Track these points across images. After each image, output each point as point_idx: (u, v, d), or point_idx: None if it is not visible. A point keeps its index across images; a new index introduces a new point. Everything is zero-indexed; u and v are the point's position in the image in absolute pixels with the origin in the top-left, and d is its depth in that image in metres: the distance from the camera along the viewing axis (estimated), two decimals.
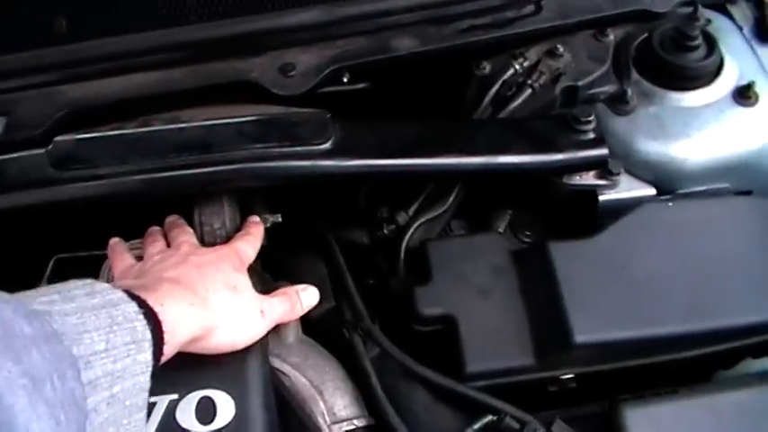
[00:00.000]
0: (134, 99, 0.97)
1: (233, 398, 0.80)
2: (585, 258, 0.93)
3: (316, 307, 0.91)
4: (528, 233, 1.05)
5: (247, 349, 0.83)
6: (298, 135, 0.91)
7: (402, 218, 1.03)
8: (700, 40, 1.04)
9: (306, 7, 1.02)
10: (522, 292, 0.94)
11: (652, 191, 1.00)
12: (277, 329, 0.89)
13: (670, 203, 1.00)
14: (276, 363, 0.89)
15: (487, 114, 1.05)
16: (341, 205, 1.08)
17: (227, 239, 0.92)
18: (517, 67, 1.05)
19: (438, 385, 0.90)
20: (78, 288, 0.65)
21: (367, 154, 0.93)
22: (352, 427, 0.89)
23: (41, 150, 0.90)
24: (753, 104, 1.02)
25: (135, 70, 1.00)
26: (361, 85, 1.08)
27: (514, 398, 0.88)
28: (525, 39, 1.07)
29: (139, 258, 0.89)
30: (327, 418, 0.88)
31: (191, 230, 0.92)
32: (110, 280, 0.90)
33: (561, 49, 1.06)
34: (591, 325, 0.88)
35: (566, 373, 0.91)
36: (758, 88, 1.03)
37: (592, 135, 0.98)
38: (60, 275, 0.97)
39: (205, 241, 0.92)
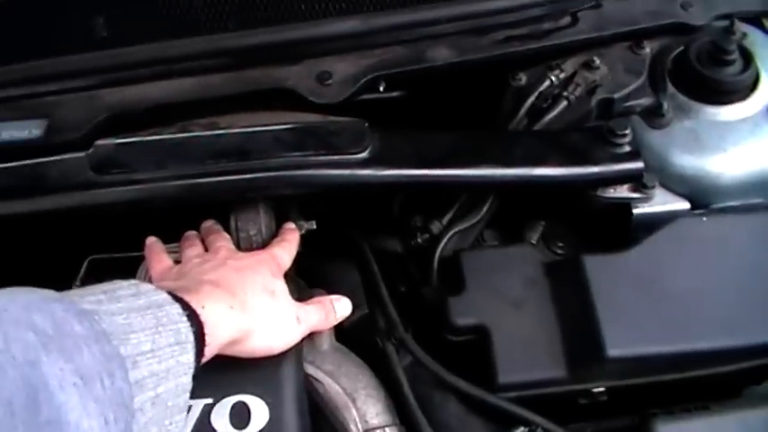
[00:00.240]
0: (173, 104, 0.98)
1: (267, 403, 0.81)
2: (619, 272, 0.93)
3: (349, 315, 0.91)
4: (560, 245, 1.04)
5: (282, 355, 0.83)
6: (335, 144, 0.91)
7: (436, 227, 1.03)
8: (736, 55, 1.03)
9: (344, 17, 1.02)
10: (554, 304, 0.94)
11: (686, 205, 1.00)
12: (311, 337, 0.89)
13: (704, 218, 0.99)
14: (310, 369, 0.89)
15: (523, 126, 1.05)
16: (375, 213, 1.08)
17: (262, 246, 0.93)
18: (553, 78, 1.05)
19: (470, 395, 0.90)
20: (124, 289, 0.66)
21: (404, 164, 0.93)
22: None
23: (81, 154, 0.91)
24: None
25: (174, 76, 1.00)
26: (395, 94, 1.08)
27: (545, 410, 0.88)
28: (562, 50, 1.08)
29: (176, 262, 0.90)
30: (360, 426, 0.88)
31: (227, 236, 0.92)
32: (146, 280, 0.90)
33: (597, 62, 1.06)
34: (624, 339, 0.88)
35: (597, 387, 0.91)
36: None
37: (628, 148, 0.97)
38: (94, 276, 0.99)
39: (241, 247, 0.93)
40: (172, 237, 0.95)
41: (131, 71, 1.00)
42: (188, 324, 0.67)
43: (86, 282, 0.99)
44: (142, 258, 0.94)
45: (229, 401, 0.80)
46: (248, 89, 1.00)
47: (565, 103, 1.04)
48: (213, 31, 1.02)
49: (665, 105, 1.02)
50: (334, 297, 0.91)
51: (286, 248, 0.91)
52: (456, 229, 1.03)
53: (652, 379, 0.91)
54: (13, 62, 1.00)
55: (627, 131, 0.98)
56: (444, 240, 1.02)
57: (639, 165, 0.97)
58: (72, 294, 0.63)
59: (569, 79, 1.06)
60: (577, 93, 1.05)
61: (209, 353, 0.71)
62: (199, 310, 0.70)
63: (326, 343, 0.92)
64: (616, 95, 1.06)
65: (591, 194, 1.00)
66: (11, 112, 0.98)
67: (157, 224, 0.97)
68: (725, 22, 1.08)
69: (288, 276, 0.89)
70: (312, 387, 0.89)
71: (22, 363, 0.53)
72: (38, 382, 0.52)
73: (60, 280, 0.90)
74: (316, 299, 0.90)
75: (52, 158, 0.92)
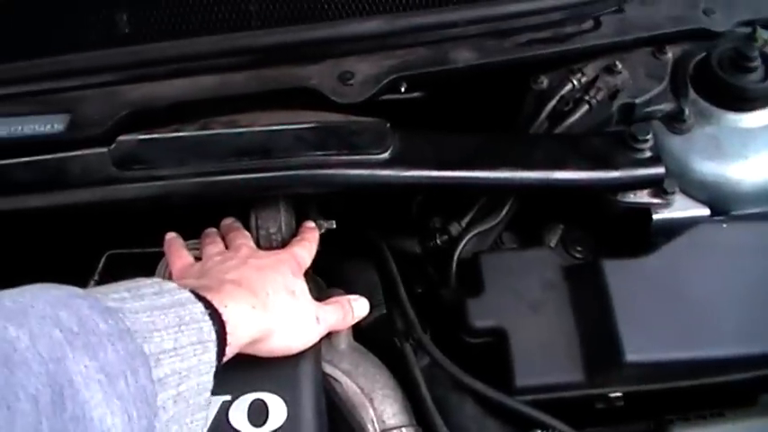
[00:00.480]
0: (195, 102, 0.98)
1: (285, 401, 0.81)
2: (638, 277, 0.93)
3: (367, 314, 0.92)
4: (579, 249, 1.04)
5: (301, 354, 0.83)
6: (357, 144, 0.91)
7: (455, 229, 1.03)
8: (758, 61, 1.03)
9: (367, 17, 1.02)
10: (573, 308, 0.94)
11: (706, 211, 1.00)
12: (329, 336, 0.89)
13: (724, 224, 0.99)
14: (328, 369, 0.90)
15: (544, 129, 1.05)
16: (394, 214, 1.08)
17: (282, 244, 0.93)
18: (575, 82, 1.05)
19: (487, 398, 0.90)
20: (147, 287, 0.66)
21: (425, 165, 0.93)
22: None
23: (103, 149, 0.91)
24: None
25: (196, 73, 1.00)
26: (417, 95, 1.08)
27: (561, 413, 0.88)
28: (584, 54, 1.07)
29: (196, 258, 0.90)
30: (377, 426, 0.88)
31: (248, 234, 0.93)
32: (166, 277, 0.91)
33: (619, 66, 1.06)
34: (642, 344, 0.87)
35: (614, 391, 0.91)
36: None
37: (649, 153, 0.97)
38: (112, 272, 0.99)
39: (261, 245, 0.93)
40: (191, 233, 0.95)
41: (153, 68, 1.00)
42: (210, 323, 0.67)
43: (104, 277, 1.00)
44: (161, 254, 0.94)
45: (248, 399, 0.80)
46: (270, 88, 1.00)
47: (586, 107, 1.04)
48: (236, 29, 1.02)
49: (687, 111, 1.02)
50: (352, 297, 0.91)
51: (306, 248, 0.91)
52: (475, 231, 1.03)
53: (669, 385, 0.91)
54: (35, 57, 1.00)
55: (648, 137, 0.98)
56: (463, 242, 1.02)
57: (660, 170, 0.97)
58: (96, 291, 0.64)
59: (591, 83, 1.05)
60: (599, 97, 1.04)
61: (230, 352, 0.71)
62: (221, 310, 0.71)
63: (344, 342, 0.93)
64: (637, 100, 1.05)
65: (611, 199, 1.00)
66: (34, 107, 0.98)
67: (177, 220, 0.97)
68: (747, 29, 1.08)
69: (307, 275, 0.89)
70: (330, 386, 0.89)
71: (48, 359, 0.53)
72: (63, 379, 0.53)
73: (77, 274, 0.91)
74: (334, 298, 0.90)
75: (74, 153, 0.92)
